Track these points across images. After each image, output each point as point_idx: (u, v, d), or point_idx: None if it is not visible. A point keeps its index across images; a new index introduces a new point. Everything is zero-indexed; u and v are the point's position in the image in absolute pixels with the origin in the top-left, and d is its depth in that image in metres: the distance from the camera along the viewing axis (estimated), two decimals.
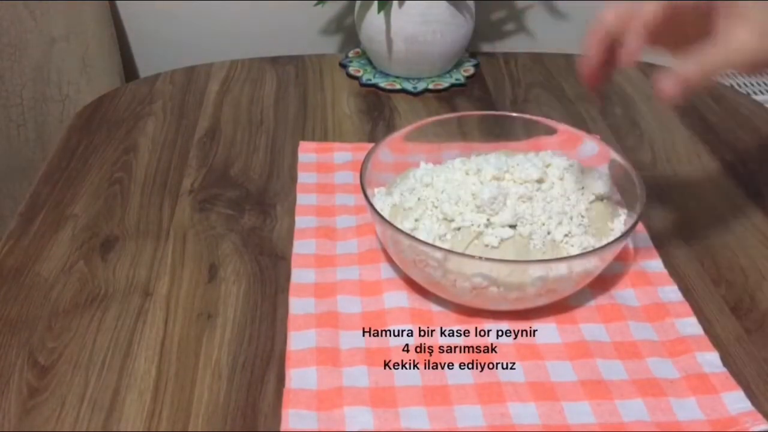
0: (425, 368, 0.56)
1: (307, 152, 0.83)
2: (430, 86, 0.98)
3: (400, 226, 0.59)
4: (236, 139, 0.86)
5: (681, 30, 0.54)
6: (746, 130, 0.89)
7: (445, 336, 0.59)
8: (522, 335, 0.59)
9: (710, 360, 0.57)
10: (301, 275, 0.65)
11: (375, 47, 0.98)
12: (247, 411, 0.53)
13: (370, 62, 1.03)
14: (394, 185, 0.67)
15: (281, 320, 0.61)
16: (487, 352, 0.58)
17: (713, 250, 0.69)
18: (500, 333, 0.59)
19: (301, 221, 0.71)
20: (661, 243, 0.69)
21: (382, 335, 0.59)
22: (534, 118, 0.72)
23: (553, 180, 0.63)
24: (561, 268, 0.57)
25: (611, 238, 0.61)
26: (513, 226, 0.60)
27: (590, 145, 0.70)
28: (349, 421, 0.52)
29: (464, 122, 0.73)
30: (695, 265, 0.67)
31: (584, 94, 0.97)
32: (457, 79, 1.00)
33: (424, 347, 0.58)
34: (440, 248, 0.56)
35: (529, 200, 0.61)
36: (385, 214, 0.63)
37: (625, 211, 0.65)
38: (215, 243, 0.69)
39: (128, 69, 1.19)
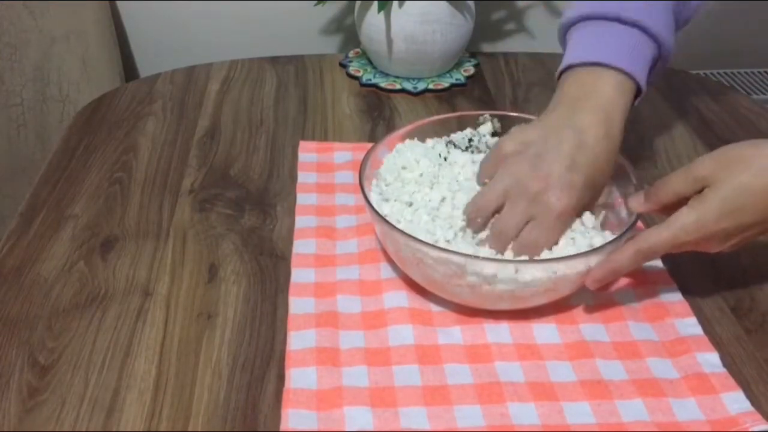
0: (425, 368, 0.56)
1: (307, 152, 0.83)
2: (430, 86, 0.98)
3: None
4: (236, 139, 0.86)
5: None
6: (746, 130, 0.89)
7: (445, 336, 0.59)
8: (522, 335, 0.59)
9: (710, 360, 0.57)
10: (301, 275, 0.65)
11: (375, 47, 0.98)
12: (247, 411, 0.53)
13: (370, 62, 1.03)
14: (386, 182, 0.66)
15: (281, 320, 0.61)
16: (487, 352, 0.58)
17: None
18: (500, 333, 0.59)
19: (301, 221, 0.71)
20: None
21: (381, 335, 0.59)
22: (534, 118, 0.72)
23: None
24: (560, 268, 0.56)
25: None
26: None
27: None
28: (349, 421, 0.52)
29: (464, 122, 0.73)
30: (695, 265, 0.67)
31: None
32: (457, 79, 1.00)
33: (424, 347, 0.58)
34: (440, 248, 0.56)
35: None
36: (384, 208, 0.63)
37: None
38: (215, 243, 0.69)
39: (128, 69, 1.19)
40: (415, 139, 0.70)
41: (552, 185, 0.58)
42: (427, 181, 0.64)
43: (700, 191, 0.56)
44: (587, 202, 0.61)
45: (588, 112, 0.60)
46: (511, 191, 0.59)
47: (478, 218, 0.60)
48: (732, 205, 0.54)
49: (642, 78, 0.63)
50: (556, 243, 0.59)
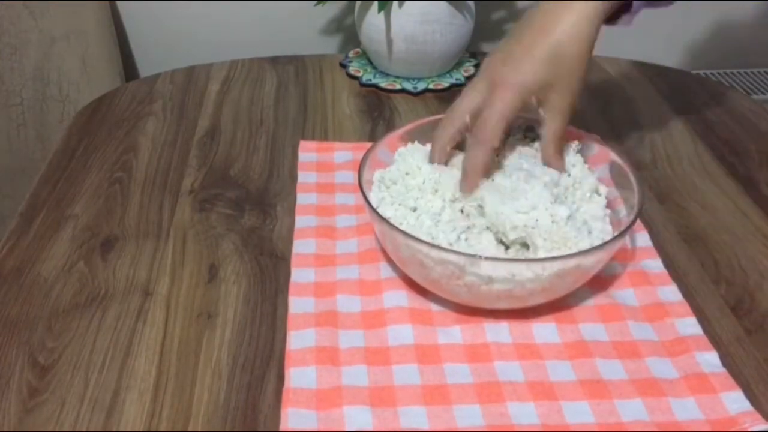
0: (424, 368, 0.56)
1: (307, 151, 0.83)
2: (431, 86, 0.98)
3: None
4: (236, 139, 0.86)
5: None
6: (746, 130, 0.89)
7: (445, 335, 0.59)
8: (521, 335, 0.59)
9: (710, 360, 0.57)
10: (300, 275, 0.65)
11: (375, 47, 0.98)
12: (247, 411, 0.53)
13: (370, 62, 1.03)
14: (387, 185, 0.67)
15: (281, 320, 0.61)
16: (486, 351, 0.58)
17: (713, 250, 0.69)
18: (499, 332, 0.59)
19: (301, 221, 0.71)
20: (661, 243, 0.69)
21: (381, 335, 0.59)
22: (534, 117, 0.72)
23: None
24: (557, 266, 0.56)
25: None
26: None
27: (590, 145, 0.69)
28: (348, 421, 0.52)
29: None
30: (695, 265, 0.67)
31: (584, 94, 0.97)
32: (457, 79, 1.00)
33: (424, 347, 0.58)
34: (439, 247, 0.56)
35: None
36: (386, 204, 0.63)
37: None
38: (215, 243, 0.69)
39: (128, 69, 1.19)
40: (416, 142, 0.70)
41: (503, 67, 0.61)
42: (430, 188, 0.64)
43: None
44: (553, 82, 0.61)
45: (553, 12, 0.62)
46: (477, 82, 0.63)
47: (454, 119, 0.63)
48: None
49: None
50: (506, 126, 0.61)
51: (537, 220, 0.59)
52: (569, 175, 0.65)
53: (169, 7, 1.16)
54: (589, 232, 0.60)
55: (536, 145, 0.67)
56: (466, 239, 0.60)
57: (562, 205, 0.60)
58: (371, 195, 0.65)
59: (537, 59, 0.60)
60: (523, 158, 0.65)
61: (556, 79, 0.61)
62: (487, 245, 0.60)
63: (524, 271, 0.56)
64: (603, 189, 0.65)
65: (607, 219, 0.63)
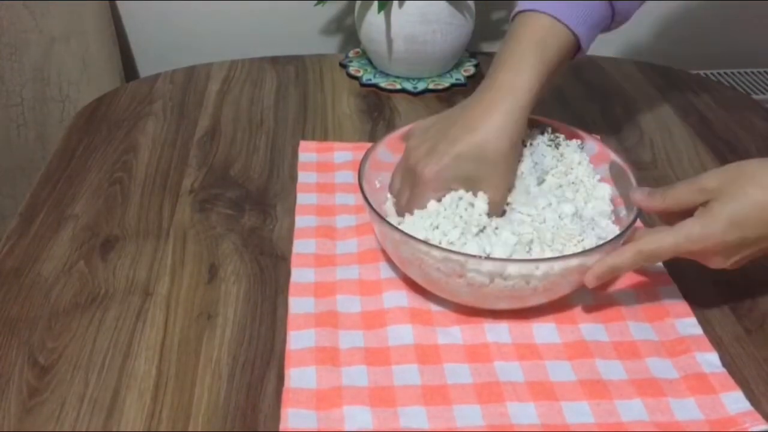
0: (424, 368, 0.56)
1: (308, 152, 0.83)
2: (431, 86, 0.98)
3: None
4: (236, 139, 0.86)
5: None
6: (746, 130, 0.89)
7: (444, 335, 0.59)
8: (521, 335, 0.59)
9: (710, 360, 0.57)
10: (300, 275, 0.65)
11: (375, 47, 0.98)
12: (247, 411, 0.53)
13: (370, 62, 1.03)
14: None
15: (281, 320, 0.61)
16: (486, 351, 0.58)
17: None
18: (499, 332, 0.59)
19: (301, 221, 0.71)
20: None
21: (381, 335, 0.59)
22: (534, 117, 0.72)
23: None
24: (558, 266, 0.56)
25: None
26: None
27: (590, 145, 0.70)
28: (348, 421, 0.52)
29: None
30: (695, 265, 0.67)
31: (584, 94, 0.97)
32: (457, 79, 1.00)
33: (424, 347, 0.58)
34: (437, 246, 0.56)
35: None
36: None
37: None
38: (215, 243, 0.69)
39: (128, 69, 1.19)
40: None
41: (426, 158, 0.62)
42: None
43: (704, 204, 0.56)
44: (478, 178, 0.61)
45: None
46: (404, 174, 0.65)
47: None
48: (738, 218, 0.54)
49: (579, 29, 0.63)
50: (423, 207, 0.62)
51: (545, 219, 0.60)
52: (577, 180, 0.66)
53: (169, 7, 1.16)
54: (593, 229, 0.61)
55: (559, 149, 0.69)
56: (471, 237, 0.60)
57: (568, 203, 0.61)
58: (376, 197, 0.65)
59: (460, 156, 0.61)
60: (538, 159, 0.66)
61: (479, 175, 0.61)
62: (506, 241, 0.59)
63: (525, 270, 0.56)
64: (606, 187, 0.65)
65: (612, 216, 0.64)
